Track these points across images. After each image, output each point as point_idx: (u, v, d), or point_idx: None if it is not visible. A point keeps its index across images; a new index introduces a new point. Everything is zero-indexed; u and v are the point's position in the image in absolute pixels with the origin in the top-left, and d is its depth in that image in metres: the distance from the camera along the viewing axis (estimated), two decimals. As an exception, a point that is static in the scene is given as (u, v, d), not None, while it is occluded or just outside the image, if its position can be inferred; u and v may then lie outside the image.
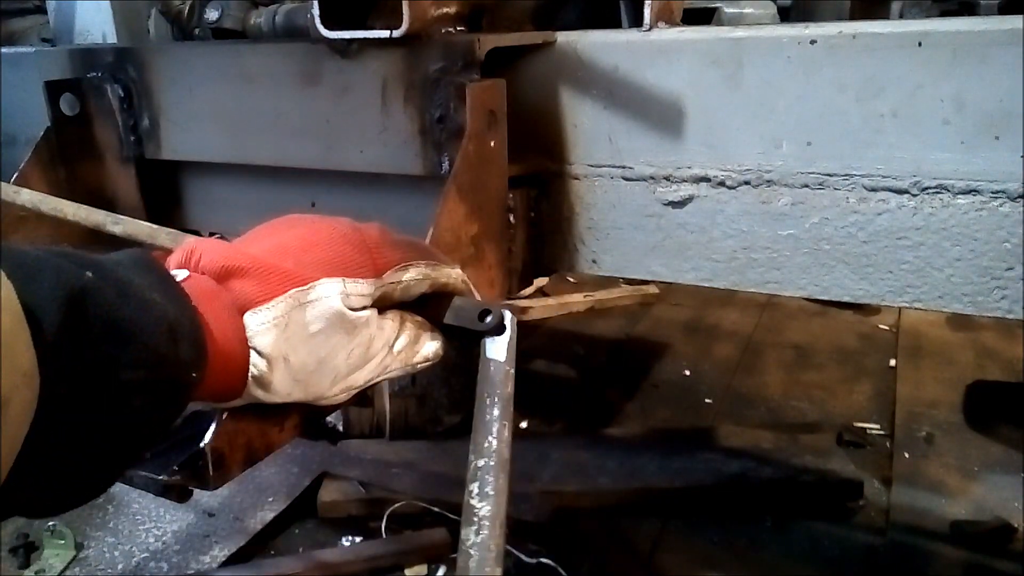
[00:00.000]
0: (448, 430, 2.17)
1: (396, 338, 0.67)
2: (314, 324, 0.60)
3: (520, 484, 1.88)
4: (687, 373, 2.64)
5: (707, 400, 2.46)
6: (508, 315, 0.67)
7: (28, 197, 0.88)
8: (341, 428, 2.19)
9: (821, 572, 1.74)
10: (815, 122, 0.89)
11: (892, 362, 2.64)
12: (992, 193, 0.83)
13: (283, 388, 0.60)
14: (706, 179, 0.96)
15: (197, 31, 1.42)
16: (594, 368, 2.70)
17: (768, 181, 0.93)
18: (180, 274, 0.58)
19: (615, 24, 1.22)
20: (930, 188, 0.85)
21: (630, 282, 3.13)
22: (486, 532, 0.57)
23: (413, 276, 0.67)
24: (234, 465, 0.62)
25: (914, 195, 0.86)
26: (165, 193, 1.28)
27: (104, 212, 0.84)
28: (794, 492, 1.93)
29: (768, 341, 2.85)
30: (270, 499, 1.95)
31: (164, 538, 1.85)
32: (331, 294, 0.60)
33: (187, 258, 0.60)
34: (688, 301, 3.17)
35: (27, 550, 1.80)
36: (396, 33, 0.90)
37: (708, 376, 2.60)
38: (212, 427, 0.60)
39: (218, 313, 0.56)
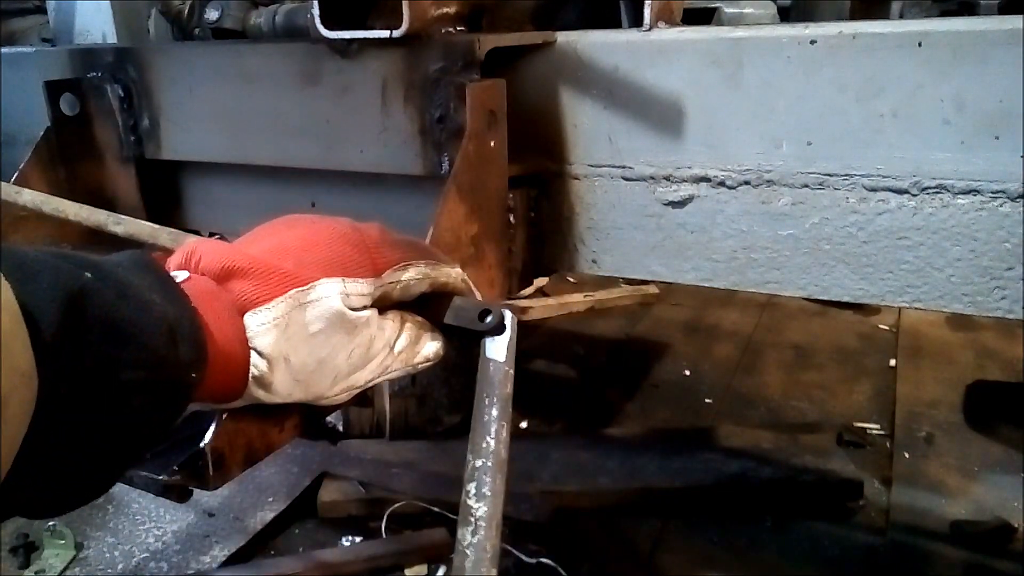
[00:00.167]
0: (448, 430, 2.17)
1: (397, 338, 0.67)
2: (314, 324, 0.60)
3: (520, 484, 1.88)
4: (687, 373, 2.64)
5: (707, 400, 2.46)
6: (508, 315, 0.66)
7: (30, 197, 0.88)
8: (341, 428, 2.19)
9: (821, 572, 1.74)
10: (815, 122, 0.89)
11: (892, 362, 2.64)
12: (992, 193, 0.83)
13: (284, 388, 0.60)
14: (706, 179, 0.96)
15: (197, 31, 1.42)
16: (594, 368, 2.70)
17: (768, 181, 0.92)
18: (180, 275, 0.58)
19: (615, 24, 1.21)
20: (930, 188, 0.85)
21: (630, 282, 3.13)
22: (482, 532, 0.58)
23: (413, 276, 0.67)
24: (234, 465, 0.62)
25: (914, 195, 0.86)
26: (165, 193, 1.28)
27: (106, 212, 0.84)
28: (794, 492, 1.93)
29: (768, 341, 2.85)
30: (270, 499, 1.95)
31: (164, 538, 1.85)
32: (331, 294, 0.60)
33: (187, 259, 0.60)
34: (688, 301, 3.17)
35: (27, 550, 1.80)
36: (396, 33, 0.90)
37: (708, 376, 2.60)
38: (212, 427, 0.60)
39: (218, 314, 0.56)
